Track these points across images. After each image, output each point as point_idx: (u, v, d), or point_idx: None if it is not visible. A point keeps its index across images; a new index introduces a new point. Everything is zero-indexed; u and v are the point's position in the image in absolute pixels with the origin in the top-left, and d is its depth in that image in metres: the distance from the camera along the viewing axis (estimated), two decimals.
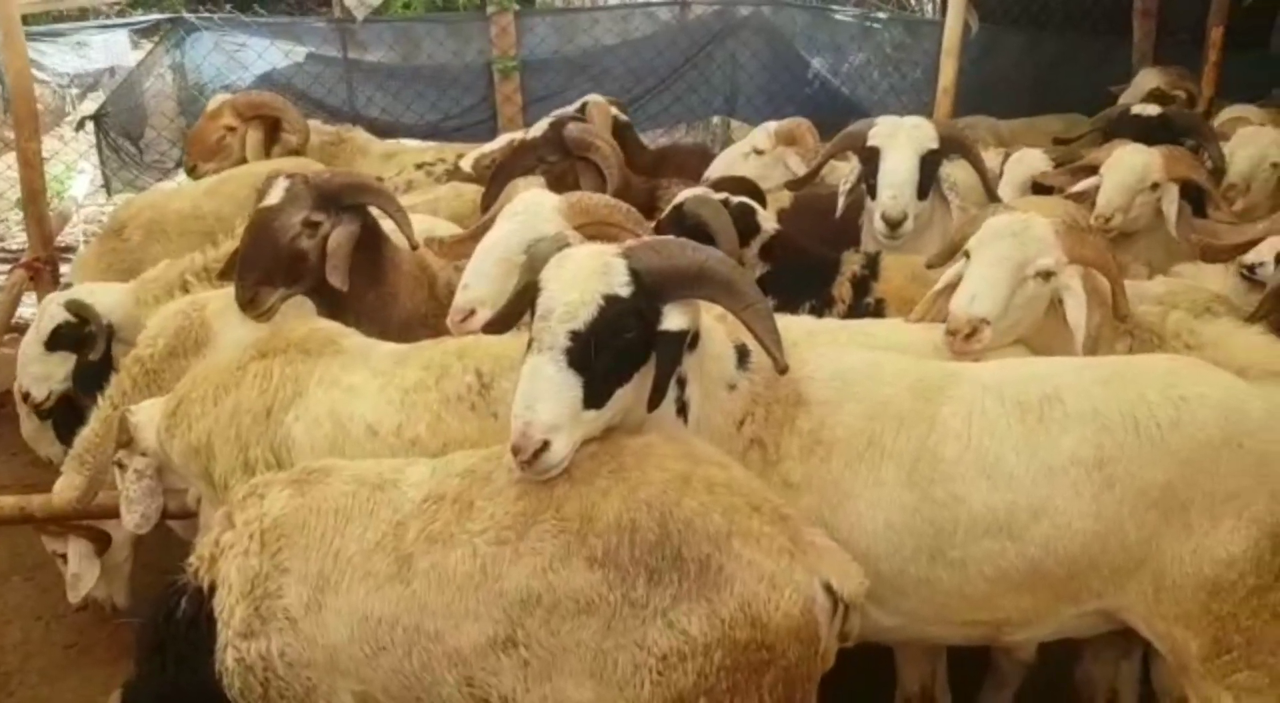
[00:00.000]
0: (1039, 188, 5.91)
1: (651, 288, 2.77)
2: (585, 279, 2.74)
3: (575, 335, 2.69)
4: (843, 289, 4.41)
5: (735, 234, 4.21)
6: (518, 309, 3.05)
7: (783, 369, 2.87)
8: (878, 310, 4.35)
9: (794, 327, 3.64)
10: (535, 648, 2.59)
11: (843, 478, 3.00)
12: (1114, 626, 3.10)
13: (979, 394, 3.03)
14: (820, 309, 4.37)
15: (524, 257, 3.42)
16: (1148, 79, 7.91)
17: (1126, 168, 5.24)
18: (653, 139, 9.20)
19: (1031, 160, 5.98)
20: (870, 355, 3.25)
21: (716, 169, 6.15)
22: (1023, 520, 2.89)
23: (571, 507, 2.65)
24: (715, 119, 10.61)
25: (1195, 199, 5.44)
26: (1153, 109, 6.31)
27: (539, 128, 5.67)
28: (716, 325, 3.06)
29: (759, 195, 4.87)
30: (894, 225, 4.69)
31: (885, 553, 2.96)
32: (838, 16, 9.41)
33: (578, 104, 6.80)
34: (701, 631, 2.51)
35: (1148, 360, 3.21)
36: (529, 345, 2.74)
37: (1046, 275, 3.61)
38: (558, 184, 5.25)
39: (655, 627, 2.53)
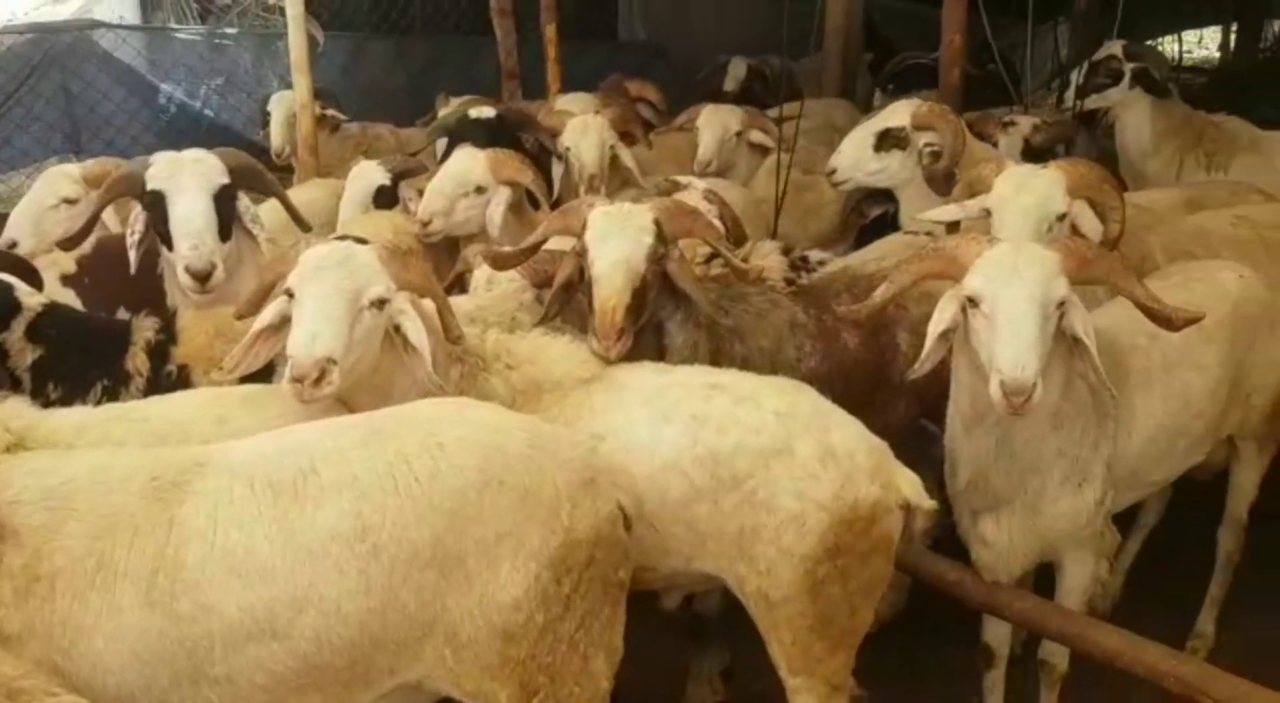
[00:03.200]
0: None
1: None
2: None
3: None
4: (138, 361, 3.83)
5: None
6: None
7: None
8: (183, 378, 3.83)
9: (64, 425, 3.07)
10: None
11: (73, 614, 2.51)
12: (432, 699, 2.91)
13: (227, 482, 2.66)
14: (114, 389, 3.78)
15: None
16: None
17: (448, 173, 5.27)
18: None
19: (371, 175, 5.79)
20: (98, 457, 2.76)
21: (17, 225, 5.29)
22: (286, 616, 2.57)
23: None
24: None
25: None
26: (489, 111, 6.39)
27: None
28: None
29: (27, 268, 4.14)
30: (202, 278, 4.20)
31: (140, 688, 2.53)
32: (181, 36, 8.67)
33: None
34: None
35: (410, 410, 3.00)
36: None
37: (381, 304, 3.32)
38: None
39: None
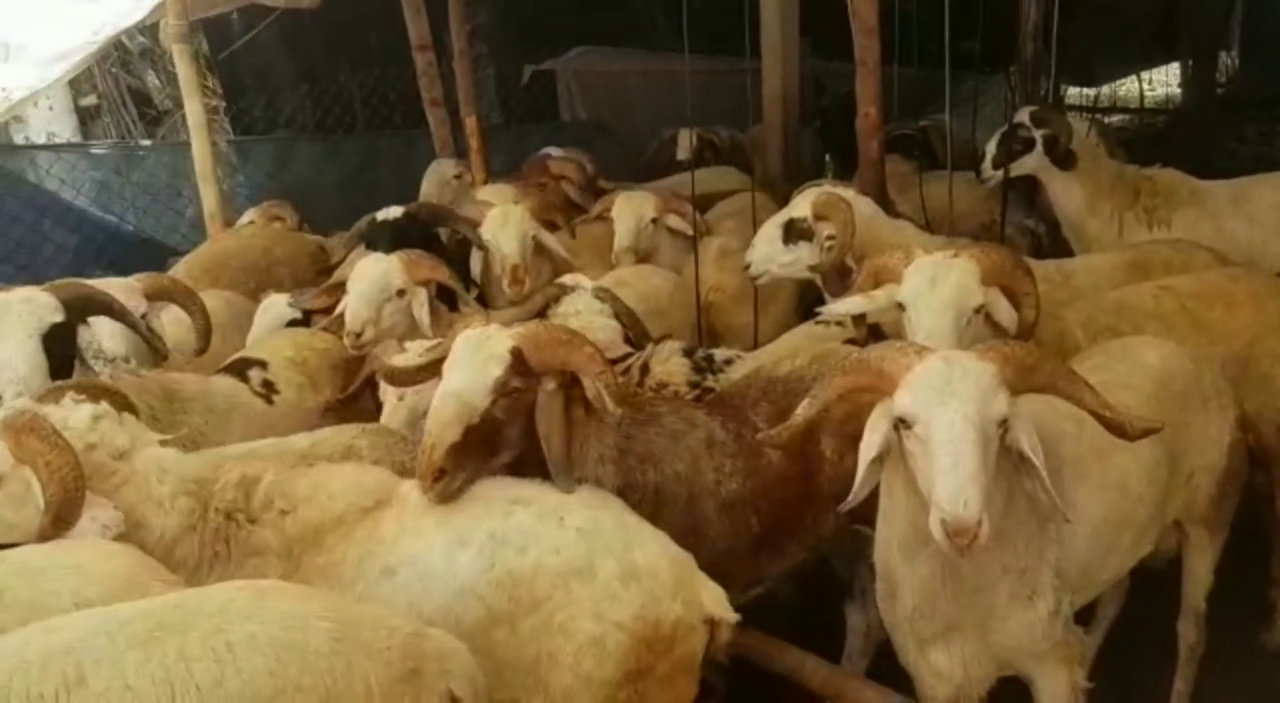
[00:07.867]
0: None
1: None
2: None
3: None
4: None
5: None
6: None
7: None
8: None
9: None
10: None
11: None
12: None
13: None
14: None
15: None
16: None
17: (367, 280, 5.03)
18: None
19: (279, 308, 5.61)
20: None
21: None
22: None
23: None
24: None
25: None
26: (396, 211, 6.15)
27: None
28: None
29: None
30: None
31: None
32: (95, 151, 8.43)
33: None
34: None
35: (203, 597, 2.60)
36: None
37: None
38: None
39: None
